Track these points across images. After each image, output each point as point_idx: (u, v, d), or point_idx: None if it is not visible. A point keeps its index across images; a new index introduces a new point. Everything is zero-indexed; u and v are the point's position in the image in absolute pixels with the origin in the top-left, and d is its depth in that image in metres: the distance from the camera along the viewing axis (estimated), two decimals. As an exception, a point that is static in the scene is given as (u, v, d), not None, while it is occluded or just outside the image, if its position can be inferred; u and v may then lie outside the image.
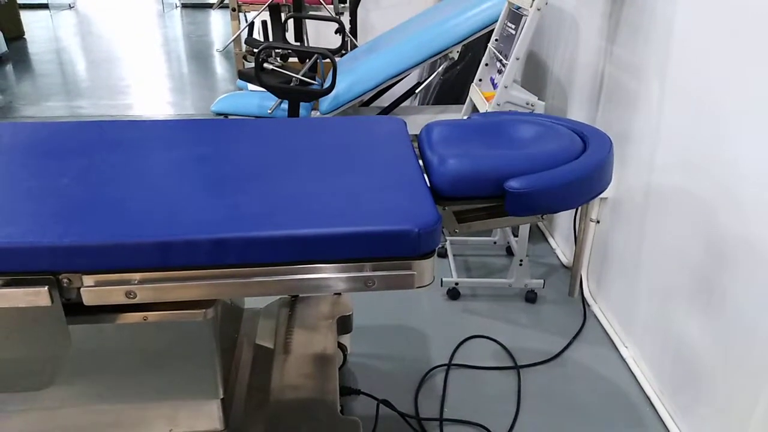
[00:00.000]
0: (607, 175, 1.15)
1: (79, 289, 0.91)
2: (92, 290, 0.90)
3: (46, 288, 0.89)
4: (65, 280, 0.90)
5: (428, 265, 0.97)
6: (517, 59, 1.87)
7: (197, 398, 1.11)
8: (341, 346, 1.62)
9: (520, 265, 2.09)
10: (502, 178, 1.05)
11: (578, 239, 1.32)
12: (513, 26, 2.01)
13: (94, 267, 0.89)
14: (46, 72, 5.28)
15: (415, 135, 2.78)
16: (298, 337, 1.51)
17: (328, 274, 0.94)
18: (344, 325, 1.61)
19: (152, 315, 1.00)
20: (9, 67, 5.44)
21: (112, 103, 4.41)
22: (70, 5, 9.22)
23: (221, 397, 1.11)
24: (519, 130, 1.23)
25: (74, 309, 0.95)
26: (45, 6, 8.76)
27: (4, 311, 0.94)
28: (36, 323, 0.95)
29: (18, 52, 6.03)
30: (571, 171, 1.07)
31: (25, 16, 7.39)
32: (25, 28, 6.93)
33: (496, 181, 1.05)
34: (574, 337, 1.95)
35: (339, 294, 1.70)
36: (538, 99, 1.98)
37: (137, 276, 0.90)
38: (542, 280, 2.14)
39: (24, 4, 8.19)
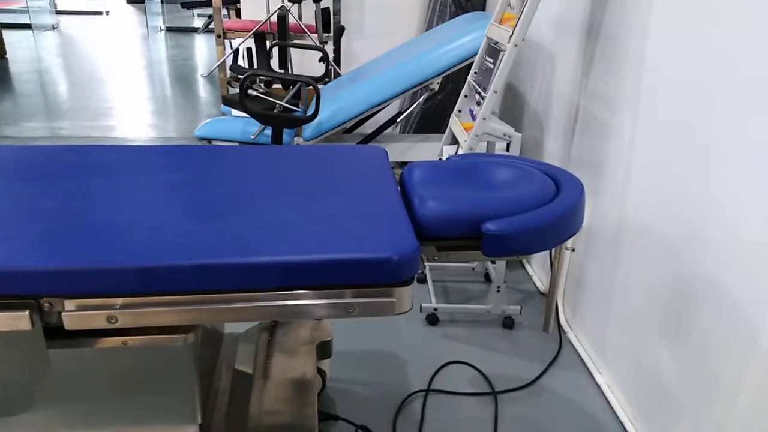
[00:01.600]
0: (579, 218, 1.20)
1: (60, 313, 0.91)
2: (74, 315, 0.91)
3: (27, 312, 0.89)
4: (46, 305, 0.90)
5: (408, 292, 0.99)
6: (495, 92, 1.93)
7: (175, 424, 1.10)
8: (320, 372, 1.62)
9: (498, 291, 2.13)
10: (480, 219, 1.08)
11: (553, 274, 1.36)
12: (491, 60, 2.08)
13: (76, 291, 0.89)
14: (28, 92, 5.25)
15: (396, 162, 2.82)
16: (278, 362, 1.51)
17: (309, 300, 0.96)
18: (323, 350, 1.61)
19: (132, 339, 1.00)
20: (-11, 87, 5.40)
21: (93, 125, 4.40)
22: (53, 26, 9.22)
23: (199, 422, 1.11)
24: (496, 172, 1.28)
25: (54, 333, 0.95)
26: (28, 26, 8.74)
27: (-18, 335, 0.94)
28: (15, 347, 0.95)
29: (-1, 72, 5.99)
30: (546, 214, 1.11)
31: (8, 35, 7.36)
32: (7, 47, 6.90)
33: (474, 222, 1.09)
34: (550, 364, 1.98)
35: (319, 319, 1.71)
36: (515, 130, 2.04)
37: (119, 301, 0.91)
38: (519, 307, 2.18)
39: (6, 23, 8.17)
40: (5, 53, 6.78)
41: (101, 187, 1.14)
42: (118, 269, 0.89)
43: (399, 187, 1.24)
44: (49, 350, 0.98)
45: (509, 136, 2.01)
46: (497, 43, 2.05)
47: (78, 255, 0.91)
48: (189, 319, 0.93)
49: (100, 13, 10.62)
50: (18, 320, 0.89)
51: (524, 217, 1.10)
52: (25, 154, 1.28)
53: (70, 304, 0.91)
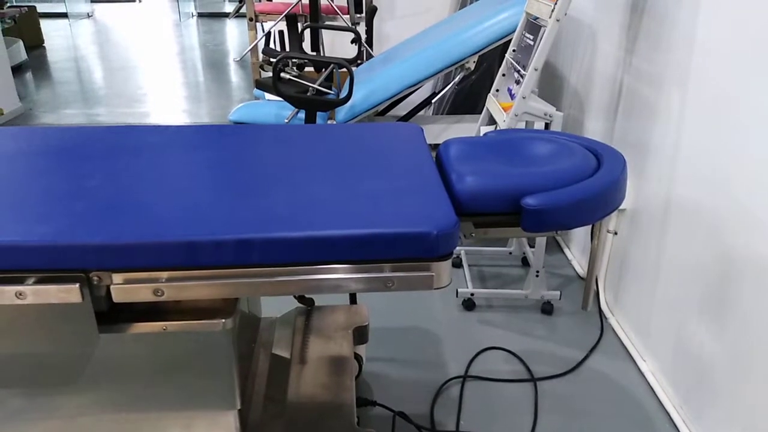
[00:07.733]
0: (621, 192, 1.16)
1: (108, 286, 0.92)
2: (121, 288, 0.92)
3: (77, 285, 0.90)
4: (95, 278, 0.92)
5: (446, 266, 0.98)
6: (536, 70, 1.87)
7: (215, 408, 1.10)
8: (357, 357, 1.61)
9: (537, 276, 2.08)
10: (519, 195, 1.06)
11: (592, 251, 1.32)
12: (531, 37, 2.01)
13: (124, 265, 0.90)
14: (65, 80, 5.35)
15: (431, 145, 2.79)
16: (315, 346, 1.50)
17: (349, 274, 0.95)
18: (360, 335, 1.60)
19: (172, 324, 1.00)
20: (29, 75, 5.52)
21: (128, 111, 4.46)
22: (88, 14, 9.37)
23: (238, 407, 1.11)
24: (534, 147, 1.25)
25: (98, 316, 0.96)
26: (64, 15, 8.90)
27: (35, 307, 0.95)
28: (66, 320, 0.97)
29: (37, 61, 6.12)
30: (586, 188, 1.08)
31: (45, 25, 7.51)
32: (45, 36, 7.04)
33: (513, 197, 1.07)
34: (592, 350, 1.93)
35: (355, 302, 1.70)
36: (556, 110, 1.97)
37: (165, 274, 0.91)
38: (558, 292, 2.12)
39: (44, 13, 8.33)
40: (43, 42, 6.92)
41: (143, 166, 1.14)
42: (165, 243, 0.89)
43: (436, 164, 1.21)
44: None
45: (550, 116, 1.95)
46: (537, 18, 1.98)
47: (125, 230, 0.91)
48: (231, 292, 0.93)
49: (133, 0, 10.75)
50: (68, 293, 0.90)
51: (564, 191, 1.07)
52: (68, 135, 1.29)
53: (118, 277, 0.92)
